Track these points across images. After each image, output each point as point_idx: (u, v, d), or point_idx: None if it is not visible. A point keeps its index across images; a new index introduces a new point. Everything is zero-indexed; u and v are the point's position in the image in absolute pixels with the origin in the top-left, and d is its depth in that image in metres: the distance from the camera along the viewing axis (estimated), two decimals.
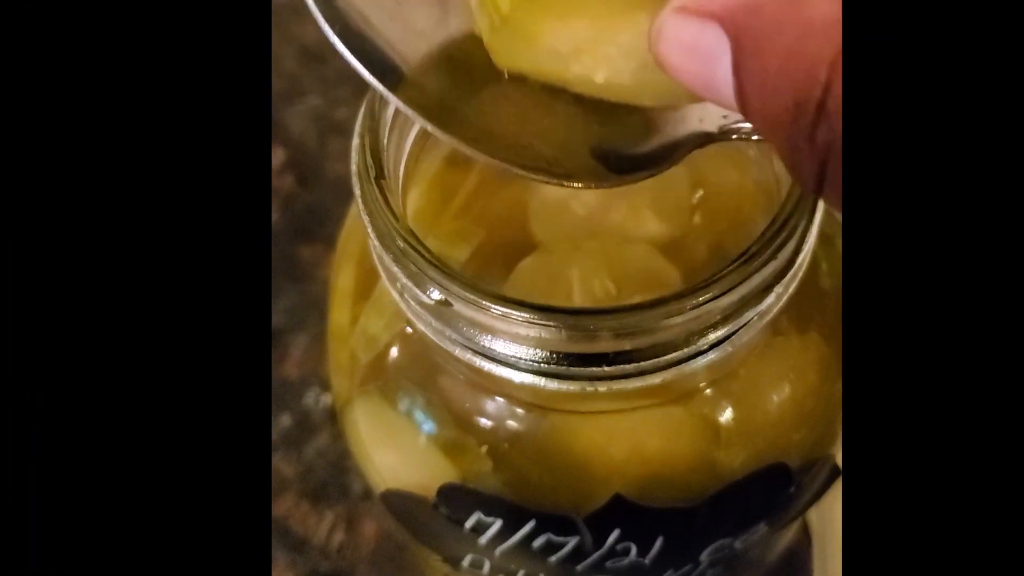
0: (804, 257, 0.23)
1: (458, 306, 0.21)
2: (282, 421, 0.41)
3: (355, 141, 0.23)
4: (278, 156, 0.47)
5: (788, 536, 0.33)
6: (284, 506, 0.40)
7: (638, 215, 0.27)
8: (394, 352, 0.26)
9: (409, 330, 0.25)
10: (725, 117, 0.21)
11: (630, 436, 0.25)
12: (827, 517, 0.35)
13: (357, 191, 0.23)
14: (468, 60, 0.20)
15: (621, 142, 0.22)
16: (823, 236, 0.27)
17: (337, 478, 0.40)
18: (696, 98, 0.20)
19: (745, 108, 0.17)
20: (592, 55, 0.20)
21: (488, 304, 0.21)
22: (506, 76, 0.20)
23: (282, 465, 0.40)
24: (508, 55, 0.20)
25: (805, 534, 0.35)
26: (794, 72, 0.15)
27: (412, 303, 0.23)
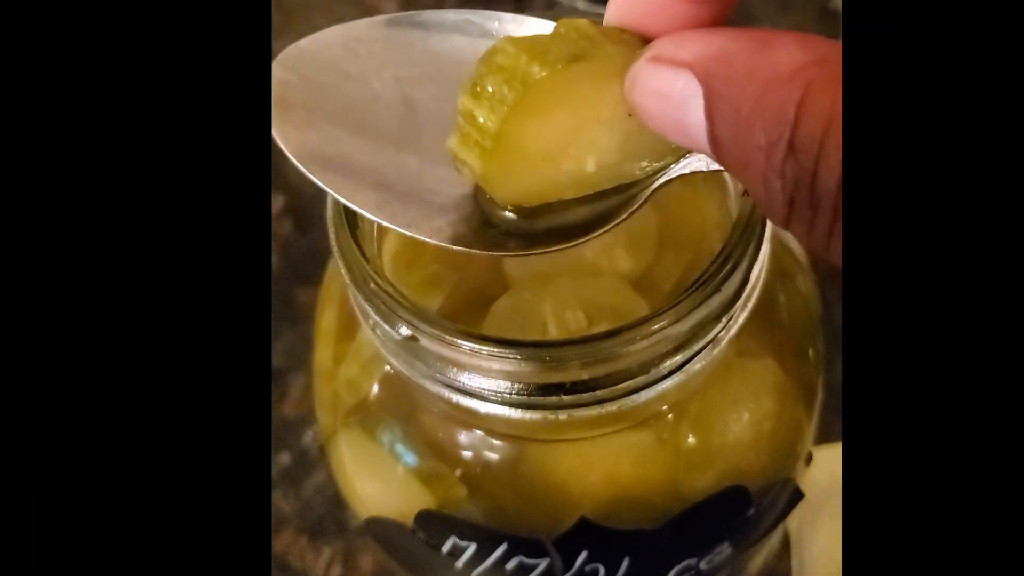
0: (752, 288, 0.24)
1: (424, 341, 0.23)
2: (281, 459, 0.43)
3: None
4: (277, 202, 0.49)
5: (764, 558, 0.34)
6: (283, 542, 0.41)
7: (608, 252, 0.29)
8: (375, 388, 0.28)
9: (388, 368, 0.27)
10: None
11: (596, 462, 0.26)
12: (807, 543, 0.35)
13: (332, 235, 0.24)
14: None
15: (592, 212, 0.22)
16: (782, 272, 0.29)
17: (334, 514, 0.41)
18: (680, 156, 0.21)
19: (717, 149, 0.18)
20: (579, 143, 0.20)
21: (451, 338, 0.22)
22: (507, 213, 0.21)
23: (281, 502, 0.42)
24: (504, 178, 0.20)
25: (786, 559, 0.36)
26: (765, 114, 0.17)
27: (385, 340, 0.24)
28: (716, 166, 0.21)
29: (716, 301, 0.23)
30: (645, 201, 0.22)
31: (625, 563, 0.26)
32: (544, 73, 0.19)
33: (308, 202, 0.48)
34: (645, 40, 0.20)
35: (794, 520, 0.35)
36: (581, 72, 0.19)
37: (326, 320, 0.29)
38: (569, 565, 0.26)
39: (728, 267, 0.23)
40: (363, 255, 0.23)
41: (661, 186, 0.22)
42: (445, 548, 0.27)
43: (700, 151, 0.19)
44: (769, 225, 0.24)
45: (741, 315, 0.24)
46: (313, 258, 0.47)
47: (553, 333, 0.27)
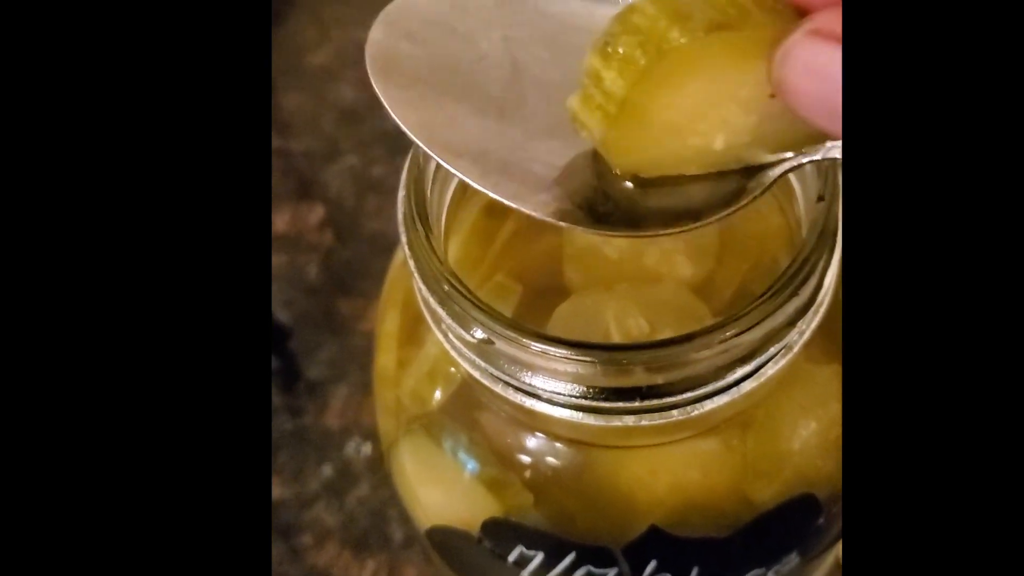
0: (825, 294, 0.24)
1: (500, 344, 0.23)
2: (324, 471, 0.42)
3: (401, 192, 0.24)
4: (317, 213, 0.49)
5: (822, 569, 0.33)
6: (326, 556, 0.41)
7: (669, 258, 0.29)
8: (438, 396, 0.28)
9: (453, 371, 0.27)
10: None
11: (666, 469, 0.26)
12: None
13: (403, 238, 0.24)
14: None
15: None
16: None
17: (379, 526, 0.41)
18: (814, 146, 0.19)
19: None
20: (711, 119, 0.19)
21: (528, 342, 0.22)
22: (626, 183, 0.20)
23: (324, 515, 0.41)
24: (624, 147, 0.19)
25: (839, 568, 0.35)
26: None
27: (456, 342, 0.24)
28: None
29: (792, 307, 0.23)
30: (767, 189, 0.20)
31: (694, 573, 0.26)
32: (683, 40, 0.17)
33: (348, 213, 0.48)
34: (800, 11, 0.18)
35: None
36: (724, 43, 0.18)
37: (388, 325, 0.29)
38: (638, 574, 0.26)
39: (805, 272, 0.23)
40: (436, 256, 0.23)
41: (788, 171, 0.20)
42: (511, 557, 0.26)
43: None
44: (841, 229, 0.24)
45: (814, 320, 0.24)
46: (354, 269, 0.47)
47: (616, 339, 0.27)
